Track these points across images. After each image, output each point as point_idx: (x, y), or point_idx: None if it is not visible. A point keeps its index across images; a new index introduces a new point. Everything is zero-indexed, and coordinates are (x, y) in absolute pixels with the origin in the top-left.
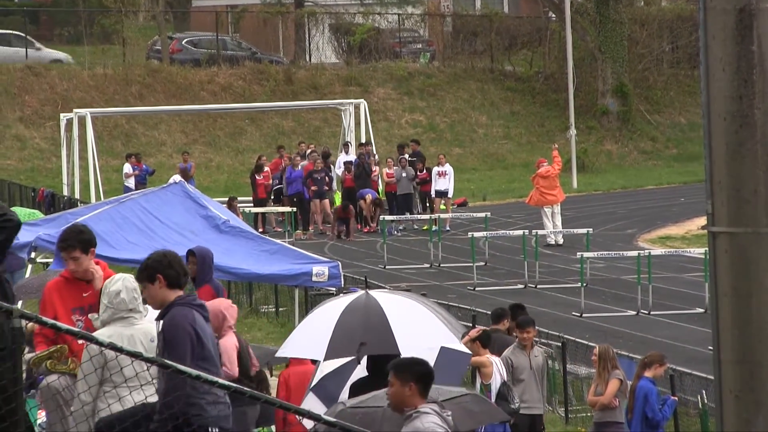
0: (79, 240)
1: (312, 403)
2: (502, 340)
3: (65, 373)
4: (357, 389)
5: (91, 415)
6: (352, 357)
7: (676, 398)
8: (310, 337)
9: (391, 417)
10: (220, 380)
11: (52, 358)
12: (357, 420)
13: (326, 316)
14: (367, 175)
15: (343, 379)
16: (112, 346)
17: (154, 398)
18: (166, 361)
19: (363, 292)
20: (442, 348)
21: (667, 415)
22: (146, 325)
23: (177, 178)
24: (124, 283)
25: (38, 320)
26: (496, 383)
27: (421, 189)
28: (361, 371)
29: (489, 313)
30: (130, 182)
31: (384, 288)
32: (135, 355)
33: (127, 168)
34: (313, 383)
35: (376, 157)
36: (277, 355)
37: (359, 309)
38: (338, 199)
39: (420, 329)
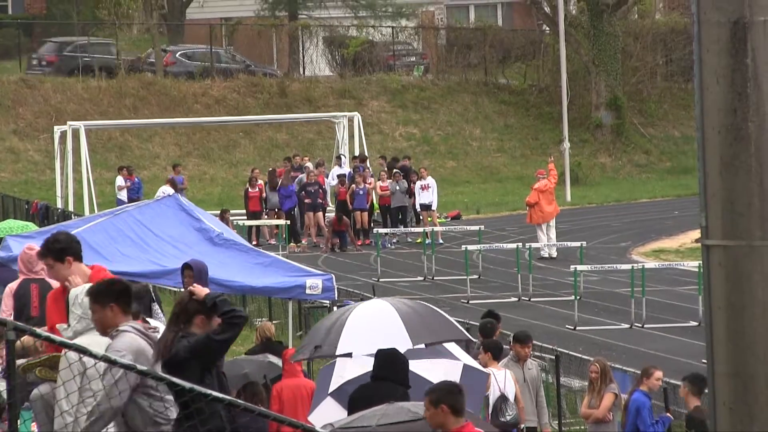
0: (50, 248)
1: (332, 407)
2: None
3: (55, 380)
4: (356, 396)
5: (74, 421)
6: (364, 372)
7: (670, 415)
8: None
9: None
10: (215, 393)
11: (43, 366)
12: None
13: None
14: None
15: None
16: (106, 359)
17: None
18: (159, 373)
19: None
20: (465, 366)
21: (660, 430)
22: None
23: (167, 190)
24: None
25: (32, 332)
26: (494, 395)
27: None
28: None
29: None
30: (123, 195)
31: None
32: (129, 368)
33: (120, 181)
34: (332, 388)
35: (370, 170)
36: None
37: (339, 313)
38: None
39: (369, 332)
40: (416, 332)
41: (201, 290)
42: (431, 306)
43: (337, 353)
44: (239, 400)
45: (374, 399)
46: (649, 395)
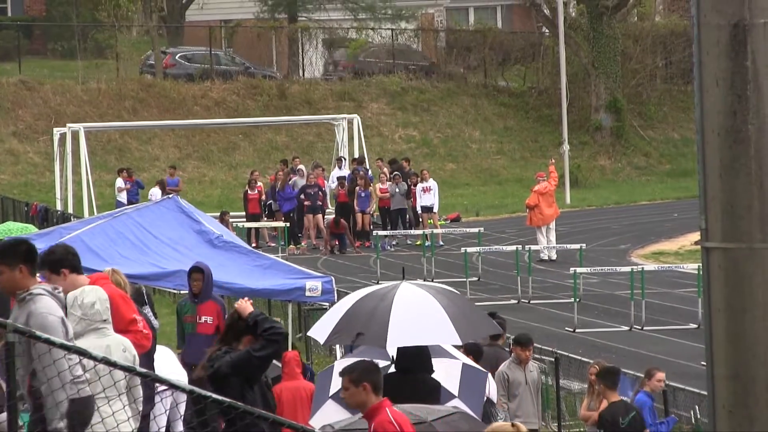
0: (45, 260)
1: (333, 409)
2: (498, 354)
3: None
4: (390, 389)
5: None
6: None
7: (676, 417)
8: (325, 319)
9: None
10: (215, 396)
11: None
12: None
13: (347, 301)
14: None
15: None
16: (106, 361)
17: (129, 408)
18: (159, 376)
19: (398, 282)
20: (464, 365)
21: (662, 430)
22: (118, 336)
23: (156, 192)
24: (97, 294)
25: (32, 335)
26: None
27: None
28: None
29: None
30: (122, 197)
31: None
32: (129, 370)
33: (119, 182)
34: (333, 391)
35: (369, 170)
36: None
37: (375, 298)
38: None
39: (417, 325)
40: (462, 328)
41: (245, 308)
42: (462, 296)
43: (388, 347)
44: (239, 403)
45: (407, 391)
46: (651, 396)
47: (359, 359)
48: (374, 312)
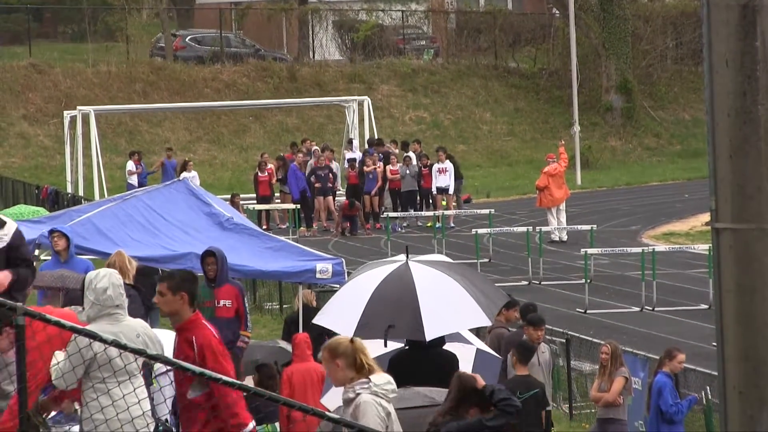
0: None
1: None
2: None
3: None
4: (396, 363)
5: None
6: (386, 351)
7: (697, 396)
8: (344, 310)
9: (397, 419)
10: (226, 378)
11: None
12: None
13: (363, 288)
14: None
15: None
16: (116, 344)
17: (141, 390)
18: (170, 358)
19: (403, 261)
20: (478, 350)
21: (683, 409)
22: (131, 321)
23: (187, 174)
24: (110, 279)
25: (42, 318)
26: None
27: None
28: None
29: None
30: (133, 180)
31: (423, 257)
32: (138, 353)
33: (131, 166)
34: None
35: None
36: (313, 322)
37: (394, 283)
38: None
39: (449, 312)
40: (485, 306)
41: (480, 381)
42: (463, 265)
43: (427, 338)
44: (250, 386)
45: (426, 365)
46: (671, 376)
47: (181, 269)
48: (399, 301)
